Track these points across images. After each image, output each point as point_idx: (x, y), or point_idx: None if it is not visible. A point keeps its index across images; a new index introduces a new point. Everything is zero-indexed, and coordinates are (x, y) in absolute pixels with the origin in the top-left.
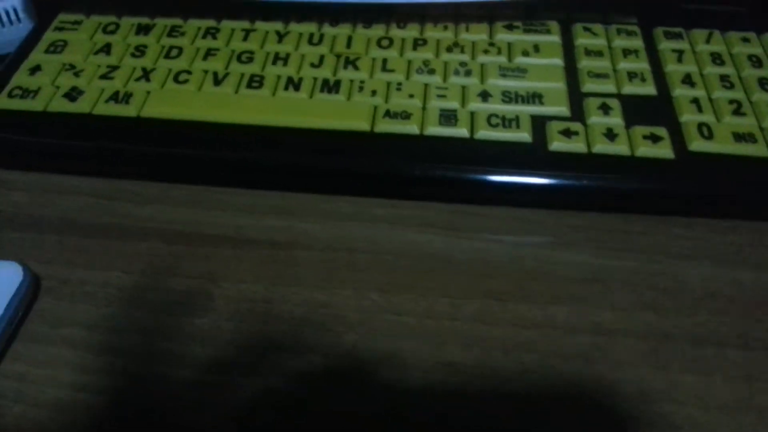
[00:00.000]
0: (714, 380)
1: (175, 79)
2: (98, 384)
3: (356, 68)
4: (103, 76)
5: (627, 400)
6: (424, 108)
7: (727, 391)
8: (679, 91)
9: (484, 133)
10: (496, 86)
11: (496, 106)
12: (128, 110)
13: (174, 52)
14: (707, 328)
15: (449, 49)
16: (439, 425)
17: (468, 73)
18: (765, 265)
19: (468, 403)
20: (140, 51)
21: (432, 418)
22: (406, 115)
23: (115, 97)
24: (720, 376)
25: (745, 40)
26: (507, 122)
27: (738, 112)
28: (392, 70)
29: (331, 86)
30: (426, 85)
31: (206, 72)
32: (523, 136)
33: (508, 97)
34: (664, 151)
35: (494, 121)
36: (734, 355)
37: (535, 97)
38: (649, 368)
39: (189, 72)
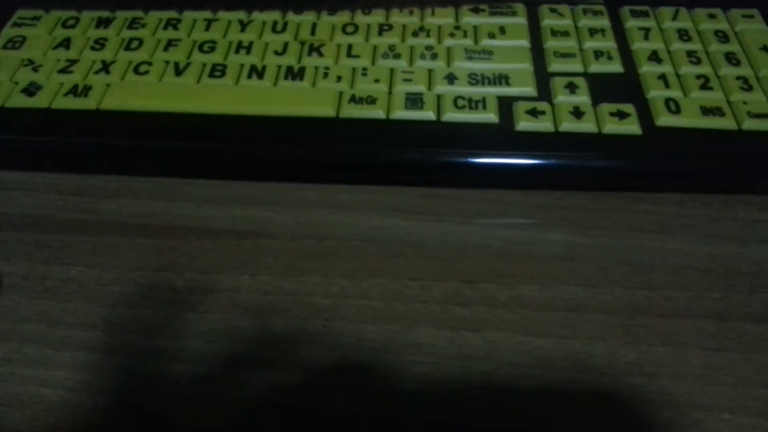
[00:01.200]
0: (686, 352)
1: (136, 71)
2: (62, 378)
3: (321, 55)
4: (62, 70)
5: (599, 374)
6: (390, 92)
7: (699, 362)
8: (646, 68)
9: (451, 116)
10: (462, 69)
11: (463, 89)
12: (87, 103)
13: (134, 44)
14: (678, 301)
15: (415, 34)
16: (410, 406)
17: (434, 57)
18: (735, 238)
19: (438, 385)
20: (100, 44)
21: (402, 399)
22: (371, 100)
23: (74, 91)
24: (692, 348)
25: (711, 16)
26: (473, 104)
27: (705, 86)
28: (357, 56)
29: (295, 73)
30: (392, 70)
31: (167, 63)
32: (490, 117)
33: (475, 79)
34: (631, 127)
35: (461, 103)
36: (706, 327)
37: (501, 79)
38: (620, 342)
39: (150, 63)
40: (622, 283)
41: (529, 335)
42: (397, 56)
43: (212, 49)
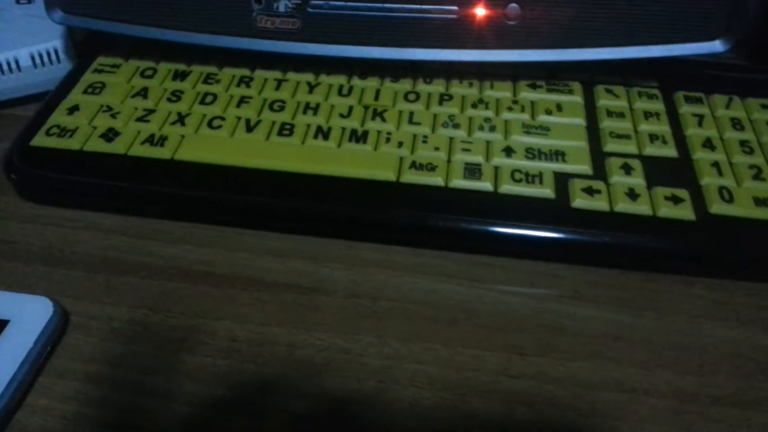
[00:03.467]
0: None
1: (209, 125)
2: (122, 422)
3: (383, 120)
4: (140, 119)
5: None
6: (449, 161)
7: None
8: (700, 155)
9: (508, 188)
10: (519, 143)
11: (520, 162)
12: (163, 153)
13: (209, 99)
14: (728, 389)
15: (474, 105)
16: None
17: (492, 129)
18: None
19: None
20: (176, 96)
21: None
22: (431, 167)
23: (150, 140)
24: None
25: (764, 106)
26: (530, 178)
27: (758, 177)
28: (418, 123)
29: (359, 136)
30: (451, 139)
31: (239, 119)
32: (546, 192)
33: (532, 153)
34: (685, 212)
35: (518, 176)
36: (756, 417)
37: (557, 155)
38: (669, 427)
39: (222, 118)
40: (672, 367)
41: (580, 414)
42: (457, 126)
43: (282, 108)
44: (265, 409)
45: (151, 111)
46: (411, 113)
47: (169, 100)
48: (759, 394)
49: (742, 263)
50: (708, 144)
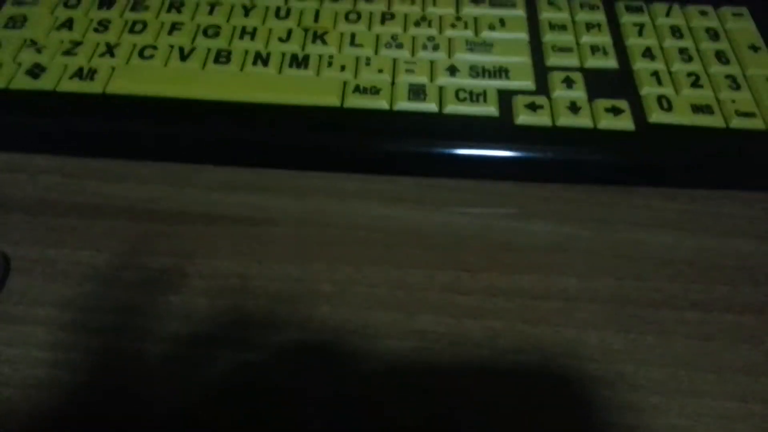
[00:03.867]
0: (673, 341)
1: (140, 55)
2: (74, 361)
3: (324, 43)
4: (67, 52)
5: (590, 361)
6: (393, 83)
7: (685, 350)
8: (640, 65)
9: (453, 108)
10: (463, 61)
11: (464, 81)
12: (93, 87)
13: (138, 27)
14: (666, 292)
15: (417, 24)
16: (412, 391)
17: (436, 48)
18: (723, 232)
19: (439, 369)
20: (103, 26)
21: (405, 384)
22: (375, 90)
23: (79, 74)
24: (679, 336)
25: (703, 13)
26: (474, 97)
27: (696, 84)
28: (361, 45)
29: (299, 61)
30: (395, 60)
31: (172, 47)
32: (491, 110)
33: (476, 71)
34: (625, 123)
35: (462, 95)
36: (692, 317)
37: (501, 72)
38: (611, 331)
39: (154, 47)
40: (613, 274)
41: (526, 323)
42: (400, 46)
43: (217, 34)
44: (218, 340)
45: (78, 43)
46: (353, 35)
47: (96, 30)
48: (694, 295)
49: (680, 171)
50: (648, 53)
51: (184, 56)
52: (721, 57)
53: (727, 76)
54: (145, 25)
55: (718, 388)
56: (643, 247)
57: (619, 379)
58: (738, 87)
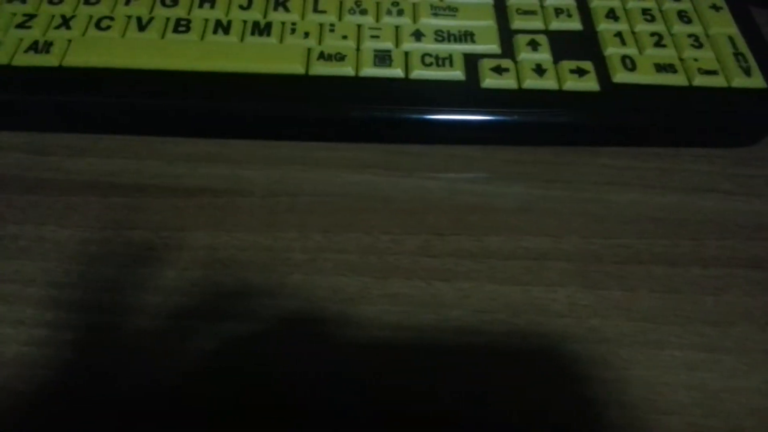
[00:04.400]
0: (639, 294)
1: (97, 26)
2: (44, 337)
3: (287, 10)
4: (20, 25)
5: (559, 316)
6: (358, 49)
7: (652, 303)
8: (604, 26)
9: (419, 73)
10: (428, 25)
11: (430, 46)
12: (50, 60)
13: None
14: (632, 248)
15: None
16: (387, 351)
17: (400, 13)
18: (687, 188)
19: (411, 331)
20: None
21: (377, 346)
22: (340, 57)
23: (34, 47)
24: (645, 290)
25: None
26: (440, 61)
27: (659, 44)
28: (324, 11)
29: (261, 29)
30: (359, 26)
31: (129, 17)
32: (457, 74)
33: (441, 36)
34: (589, 84)
35: (428, 60)
36: (658, 272)
37: (466, 36)
38: (578, 288)
39: (111, 18)
40: (580, 232)
41: (495, 283)
42: (364, 12)
43: (175, 3)
44: (188, 311)
45: (31, 16)
46: (316, 1)
47: (50, 2)
48: (659, 250)
49: (645, 129)
50: (611, 14)
51: (142, 26)
52: (683, 16)
53: (690, 35)
54: None
55: (685, 339)
56: (610, 205)
57: (588, 334)
58: (700, 46)
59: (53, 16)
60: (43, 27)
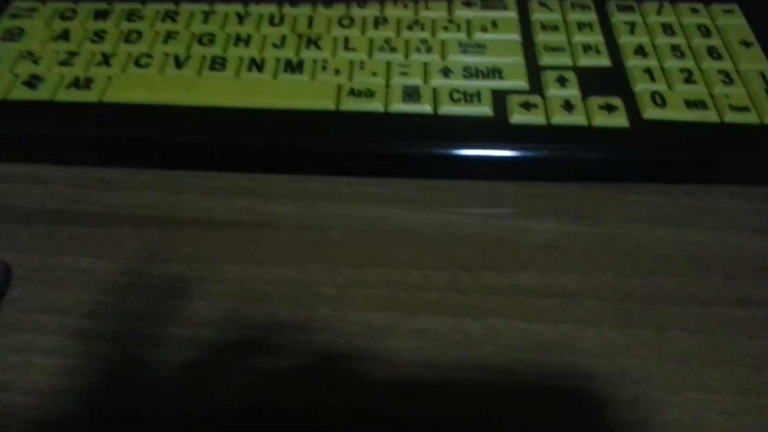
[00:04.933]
0: (672, 335)
1: (136, 63)
2: (77, 367)
3: (318, 48)
4: (63, 63)
5: (590, 356)
6: (387, 85)
7: (686, 344)
8: (632, 62)
9: (447, 109)
10: (456, 62)
11: (458, 82)
12: (90, 96)
13: (133, 37)
14: (665, 287)
15: (410, 27)
16: (414, 387)
17: (429, 50)
18: (719, 227)
19: (440, 368)
20: (99, 36)
21: (406, 383)
22: (370, 93)
23: (76, 83)
24: (679, 331)
25: (694, 11)
26: (468, 97)
27: (689, 80)
28: (354, 49)
29: (294, 66)
30: (388, 63)
31: (167, 55)
32: (485, 110)
33: (469, 72)
34: (619, 120)
35: (456, 96)
36: (691, 311)
37: (494, 72)
38: (610, 326)
39: (150, 56)
40: (611, 270)
41: (525, 321)
42: (393, 50)
43: (211, 42)
44: (219, 344)
45: (74, 54)
46: (346, 39)
47: (92, 41)
48: (693, 290)
49: (676, 166)
50: (640, 51)
51: (179, 64)
52: (713, 53)
53: (720, 71)
54: (140, 34)
55: (720, 382)
56: (641, 242)
57: (620, 375)
58: (731, 82)
59: (94, 54)
60: (85, 64)
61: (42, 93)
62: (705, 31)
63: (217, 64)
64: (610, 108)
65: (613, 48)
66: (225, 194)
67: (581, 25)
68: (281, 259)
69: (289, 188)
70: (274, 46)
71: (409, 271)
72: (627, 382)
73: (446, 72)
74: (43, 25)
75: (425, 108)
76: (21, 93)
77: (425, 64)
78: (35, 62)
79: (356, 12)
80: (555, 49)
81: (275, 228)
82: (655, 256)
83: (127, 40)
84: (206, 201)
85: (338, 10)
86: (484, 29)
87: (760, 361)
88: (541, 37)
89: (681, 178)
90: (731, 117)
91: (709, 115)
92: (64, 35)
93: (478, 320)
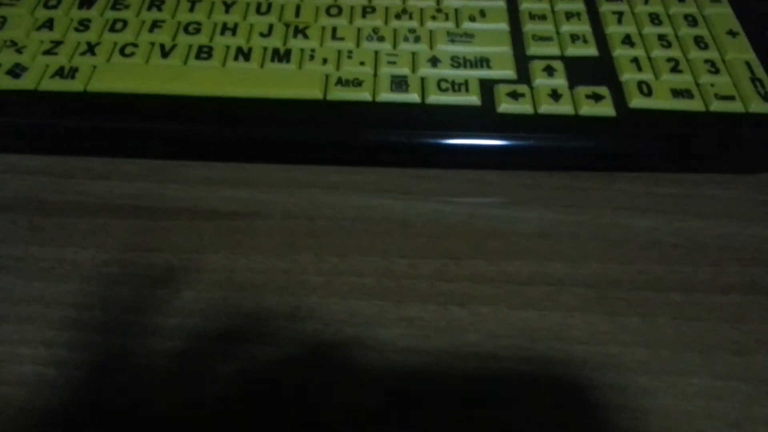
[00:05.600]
0: (659, 322)
1: (122, 53)
2: (63, 358)
3: (306, 37)
4: (47, 52)
5: (577, 343)
6: (375, 75)
7: (671, 331)
8: (620, 51)
9: (435, 98)
10: (444, 52)
11: (446, 71)
12: (75, 85)
13: (119, 25)
14: (651, 274)
15: (398, 16)
16: (402, 375)
17: (417, 40)
18: (705, 214)
19: (428, 355)
20: (84, 25)
21: (393, 371)
22: (357, 83)
23: (60, 73)
24: (665, 318)
25: (681, 0)
26: (456, 86)
27: (675, 69)
28: (342, 38)
29: (281, 55)
30: (376, 52)
31: (153, 44)
32: (473, 99)
33: (457, 62)
34: (606, 109)
35: (444, 85)
36: (678, 299)
37: (482, 62)
38: (597, 314)
39: (135, 45)
40: (598, 258)
41: (512, 308)
42: (381, 39)
43: (197, 31)
44: (206, 333)
45: (58, 42)
46: (334, 28)
47: (76, 30)
48: (678, 276)
49: (662, 155)
50: (627, 40)
51: (165, 53)
52: (699, 42)
53: (706, 61)
54: (125, 23)
55: (704, 367)
56: (628, 231)
57: (607, 361)
58: (717, 71)
59: (79, 43)
60: (69, 53)
61: (26, 82)
62: (692, 21)
63: (204, 53)
64: (597, 97)
65: (601, 38)
66: (211, 184)
67: (569, 15)
68: (269, 248)
69: (277, 177)
70: (261, 35)
71: (397, 260)
72: (614, 369)
73: (434, 61)
74: (27, 14)
75: (413, 97)
76: (4, 82)
77: (413, 54)
78: (19, 51)
79: (344, 1)
80: (543, 39)
81: (262, 217)
82: (642, 244)
83: (112, 29)
84: (193, 190)
85: None
86: (472, 18)
87: (744, 347)
88: (530, 27)
89: (667, 166)
90: (717, 106)
91: (695, 104)
92: (48, 24)
93: (466, 308)
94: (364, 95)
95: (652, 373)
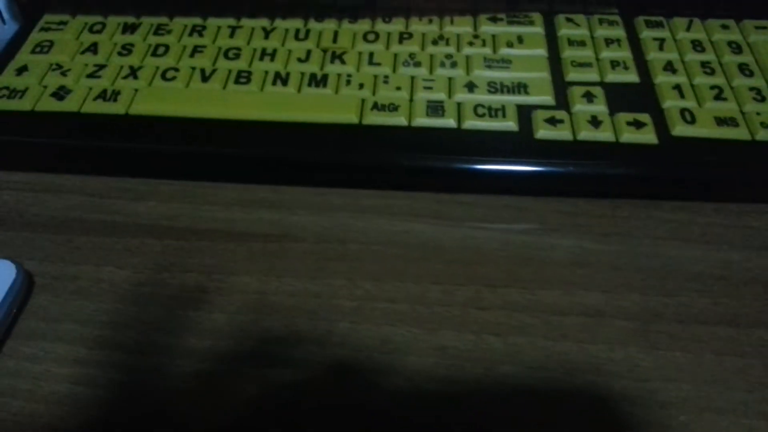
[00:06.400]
0: (703, 357)
1: (163, 77)
2: (95, 377)
3: (343, 62)
4: (91, 75)
5: (617, 378)
6: (411, 100)
7: (716, 366)
8: (661, 78)
9: (471, 123)
10: (481, 77)
11: (482, 97)
12: (116, 108)
13: (161, 50)
14: (694, 307)
15: (435, 42)
16: (434, 405)
17: (454, 65)
18: (749, 245)
19: (461, 386)
20: (127, 50)
21: (425, 401)
22: (393, 107)
23: (103, 95)
24: (709, 352)
25: (725, 27)
26: (493, 112)
27: (719, 97)
28: (379, 64)
29: (318, 80)
30: (413, 78)
31: (193, 69)
32: (510, 125)
33: (494, 87)
34: (647, 136)
35: (481, 111)
36: (722, 332)
37: (520, 87)
38: (638, 347)
39: (176, 69)
40: (639, 289)
41: (549, 339)
42: (418, 64)
43: (237, 56)
44: (238, 357)
45: (102, 66)
46: (371, 54)
47: (119, 54)
48: (723, 310)
49: (705, 184)
50: (669, 67)
51: (205, 77)
52: (744, 70)
53: (752, 89)
54: (167, 48)
55: (748, 406)
56: (669, 261)
57: (648, 397)
58: (763, 99)
59: (122, 67)
60: (112, 77)
61: (69, 104)
62: (736, 48)
63: (243, 77)
64: (638, 124)
65: (642, 64)
66: (246, 206)
67: (609, 41)
68: (300, 271)
69: (311, 200)
70: (299, 60)
71: (430, 287)
72: (655, 405)
73: (471, 87)
74: (73, 38)
75: (449, 122)
76: (49, 104)
77: (450, 79)
78: (64, 74)
79: (381, 27)
80: (582, 65)
81: (295, 240)
82: (685, 276)
83: (155, 54)
84: (227, 212)
85: (363, 25)
86: (509, 44)
87: None
88: (568, 53)
89: (711, 196)
90: (763, 135)
91: (741, 133)
92: (93, 48)
93: (501, 338)
94: (399, 120)
95: (694, 411)
